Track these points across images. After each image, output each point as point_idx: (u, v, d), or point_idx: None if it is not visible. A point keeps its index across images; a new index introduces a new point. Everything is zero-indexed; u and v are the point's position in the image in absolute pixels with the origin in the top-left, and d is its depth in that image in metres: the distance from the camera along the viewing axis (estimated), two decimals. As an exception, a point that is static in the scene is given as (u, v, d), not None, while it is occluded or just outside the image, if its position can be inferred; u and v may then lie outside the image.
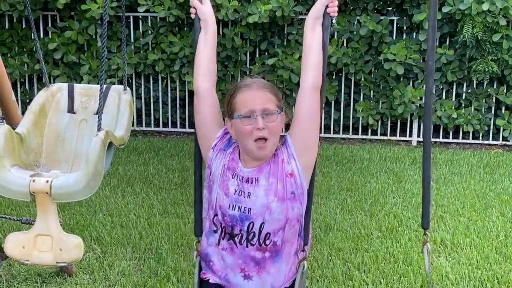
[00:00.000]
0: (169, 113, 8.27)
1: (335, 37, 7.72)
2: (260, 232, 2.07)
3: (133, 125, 7.16)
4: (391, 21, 7.63)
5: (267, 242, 2.09)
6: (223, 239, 2.13)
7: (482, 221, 4.81)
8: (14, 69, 7.97)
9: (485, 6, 6.84)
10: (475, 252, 4.19)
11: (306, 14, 7.70)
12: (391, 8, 7.89)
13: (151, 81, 8.17)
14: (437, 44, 7.54)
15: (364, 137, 8.00)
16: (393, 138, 7.93)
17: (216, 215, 2.14)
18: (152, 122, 8.28)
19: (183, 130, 8.21)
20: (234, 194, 2.11)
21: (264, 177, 2.10)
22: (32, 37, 7.94)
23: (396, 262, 4.02)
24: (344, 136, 8.08)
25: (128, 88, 2.78)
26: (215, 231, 2.15)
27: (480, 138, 7.81)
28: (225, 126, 2.18)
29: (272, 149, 2.11)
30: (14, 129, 2.43)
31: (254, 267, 2.12)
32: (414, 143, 7.85)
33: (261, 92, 2.10)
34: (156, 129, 8.29)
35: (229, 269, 2.15)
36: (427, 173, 2.55)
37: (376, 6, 7.77)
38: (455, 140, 7.83)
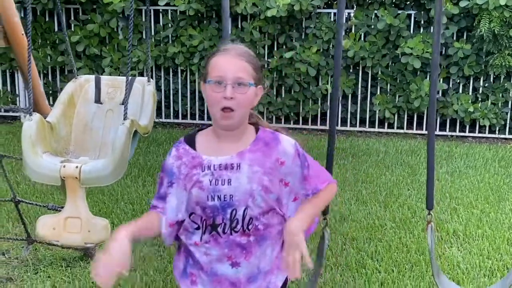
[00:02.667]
0: (188, 105, 8.41)
1: (353, 31, 7.80)
2: (243, 218, 1.96)
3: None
4: (409, 15, 7.68)
5: (250, 227, 1.97)
6: (204, 234, 1.99)
7: (495, 213, 4.88)
8: (38, 61, 8.16)
9: (502, 1, 6.87)
10: (487, 243, 4.27)
11: (324, 8, 7.81)
12: (408, 2, 7.93)
13: (171, 73, 8.32)
14: (455, 38, 7.59)
15: (381, 130, 8.07)
16: (410, 131, 8.00)
17: (192, 213, 2.00)
18: (172, 114, 8.43)
19: (202, 122, 8.35)
20: (210, 185, 1.95)
21: (247, 164, 1.96)
22: (56, 30, 8.18)
23: (408, 252, 4.11)
24: (361, 129, 8.16)
25: (152, 80, 2.91)
26: (197, 228, 2.00)
27: (497, 132, 7.84)
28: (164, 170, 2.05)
29: (240, 121, 1.97)
30: (44, 118, 2.57)
31: (241, 252, 1.99)
32: (431, 137, 7.89)
33: (237, 60, 1.94)
34: (176, 120, 8.44)
35: (215, 261, 2.01)
36: (432, 158, 2.65)
37: (394, 0, 7.82)
38: (472, 134, 7.87)
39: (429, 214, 2.69)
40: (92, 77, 2.88)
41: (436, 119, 7.90)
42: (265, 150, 2.00)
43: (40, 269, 3.84)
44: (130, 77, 2.52)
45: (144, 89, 2.80)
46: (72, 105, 2.78)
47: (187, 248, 2.05)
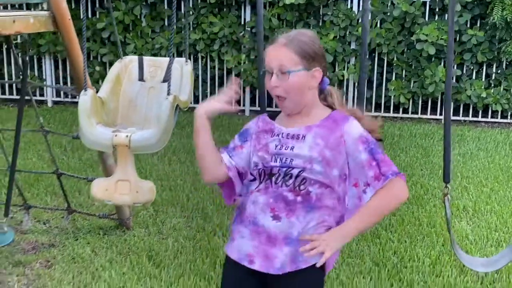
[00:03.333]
0: (208, 91, 8.70)
1: (369, 18, 8.03)
2: (297, 176, 2.04)
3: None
4: (424, 3, 7.89)
5: (301, 187, 2.04)
6: (260, 183, 2.10)
7: (504, 191, 5.14)
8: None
9: (515, -11, 7.07)
10: (495, 217, 4.54)
11: (341, -4, 8.03)
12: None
13: (192, 60, 8.60)
14: (468, 25, 7.80)
15: (396, 115, 8.31)
16: (424, 116, 8.23)
17: (254, 167, 2.12)
18: (193, 99, 8.71)
19: (222, 106, 8.62)
20: (275, 149, 2.09)
21: (312, 136, 2.06)
22: (81, 17, 8.49)
23: (420, 225, 4.39)
24: (376, 114, 8.39)
25: (189, 60, 3.20)
26: (253, 180, 2.13)
27: (509, 117, 8.06)
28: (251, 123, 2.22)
29: (296, 105, 2.09)
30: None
31: (284, 208, 2.05)
32: (444, 122, 8.13)
33: (282, 49, 2.03)
34: (196, 105, 8.66)
35: (259, 210, 2.08)
36: (448, 132, 2.91)
37: (409, -12, 8.02)
38: (484, 119, 8.08)
39: (445, 187, 2.97)
40: (135, 57, 3.18)
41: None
42: (332, 127, 2.06)
43: (80, 236, 4.18)
44: (171, 58, 2.82)
45: (183, 68, 3.10)
46: (118, 83, 3.08)
47: (239, 206, 2.18)
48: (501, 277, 3.62)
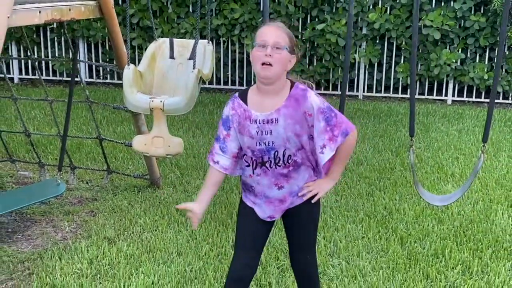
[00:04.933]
0: (229, 73, 9.38)
1: (379, 5, 8.62)
2: (283, 156, 2.64)
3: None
4: (430, -9, 8.45)
5: (289, 161, 2.65)
6: (255, 168, 2.67)
7: (491, 161, 5.75)
8: (97, 31, 9.25)
9: (514, -22, 7.58)
10: (478, 182, 5.16)
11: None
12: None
13: (214, 44, 9.27)
14: (472, 12, 8.34)
15: (404, 95, 8.90)
16: (430, 97, 8.81)
17: (245, 154, 2.68)
18: (215, 80, 9.42)
19: (242, 87, 9.30)
20: (257, 134, 2.61)
21: (282, 118, 2.58)
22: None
23: (411, 187, 5.03)
24: (385, 95, 9.01)
25: (210, 42, 3.89)
26: (248, 166, 2.69)
27: (510, 98, 8.60)
28: (228, 105, 2.70)
29: (275, 75, 2.54)
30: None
31: (284, 179, 2.68)
32: (449, 102, 8.71)
33: (278, 30, 2.57)
34: (218, 86, 9.43)
35: (265, 187, 2.70)
36: (412, 90, 3.65)
37: (417, -23, 8.57)
38: (486, 100, 8.63)
39: (411, 140, 3.69)
40: (167, 39, 3.87)
41: (454, 86, 8.73)
42: (295, 106, 2.59)
43: (118, 193, 4.92)
44: (196, 39, 3.51)
45: (205, 48, 3.79)
46: (154, 59, 3.77)
47: (244, 182, 2.77)
48: (473, 225, 4.27)
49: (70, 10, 3.65)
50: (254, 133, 2.61)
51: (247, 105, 2.64)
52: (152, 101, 3.29)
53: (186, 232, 4.16)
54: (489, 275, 3.62)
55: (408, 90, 8.74)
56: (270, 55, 2.51)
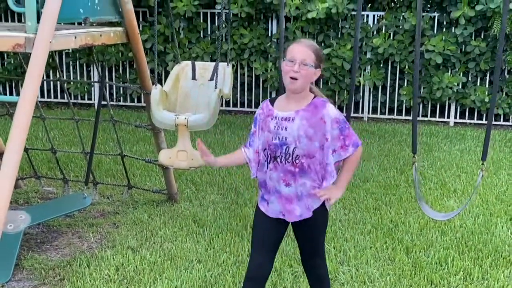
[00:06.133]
0: (238, 95, 9.71)
1: (383, 30, 8.98)
2: (293, 153, 2.90)
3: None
4: (432, 18, 8.82)
5: (297, 161, 2.90)
6: (269, 163, 2.94)
7: (491, 179, 6.02)
8: (112, 56, 9.62)
9: (512, 5, 7.94)
10: (478, 198, 5.43)
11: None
12: (432, 6, 9.06)
13: (224, 67, 9.62)
14: (473, 37, 8.69)
15: (407, 118, 9.21)
16: (433, 119, 9.12)
17: (265, 149, 2.95)
18: (224, 102, 9.75)
19: (250, 109, 9.63)
20: (274, 129, 2.91)
21: (299, 118, 2.88)
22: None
23: (415, 202, 5.30)
24: (389, 117, 9.33)
25: (230, 64, 4.21)
26: (265, 160, 2.96)
27: (510, 120, 8.90)
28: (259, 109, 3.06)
29: (301, 87, 2.88)
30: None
31: (291, 177, 2.92)
32: (451, 124, 9.02)
33: (306, 48, 2.90)
34: (227, 108, 9.76)
35: (275, 182, 2.95)
36: (415, 110, 3.89)
37: (419, 4, 8.95)
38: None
39: (413, 157, 3.97)
40: (189, 62, 4.20)
41: (456, 108, 9.05)
42: (313, 111, 2.90)
43: (138, 207, 5.20)
44: (217, 62, 3.83)
45: (225, 70, 4.11)
46: (177, 80, 4.10)
47: (261, 182, 3.02)
48: (474, 237, 4.53)
49: (101, 35, 3.98)
50: (272, 128, 2.93)
51: (273, 106, 3.01)
52: (178, 118, 3.60)
53: (204, 242, 4.43)
54: (488, 281, 3.88)
55: (411, 112, 9.09)
56: (297, 71, 2.86)
